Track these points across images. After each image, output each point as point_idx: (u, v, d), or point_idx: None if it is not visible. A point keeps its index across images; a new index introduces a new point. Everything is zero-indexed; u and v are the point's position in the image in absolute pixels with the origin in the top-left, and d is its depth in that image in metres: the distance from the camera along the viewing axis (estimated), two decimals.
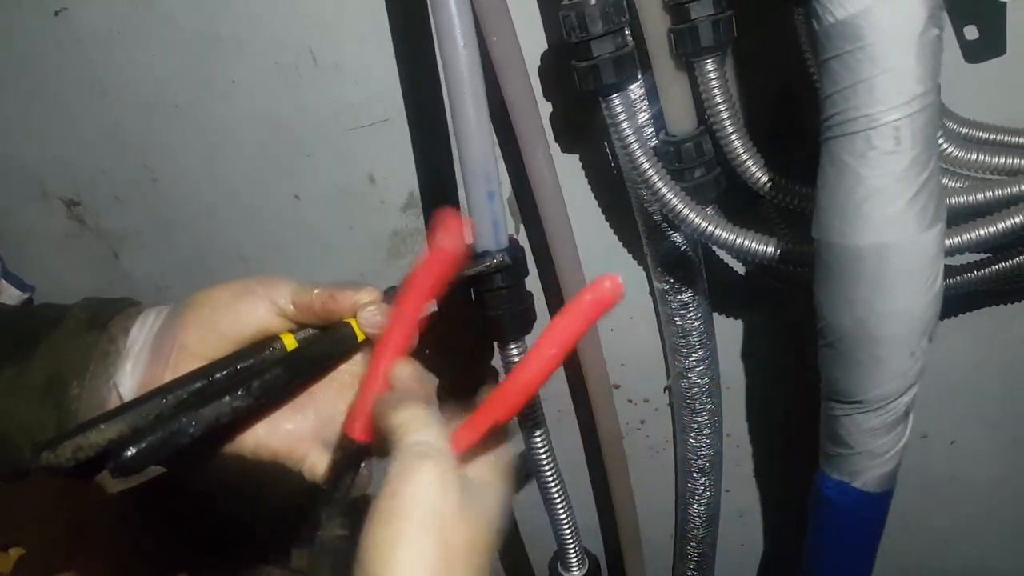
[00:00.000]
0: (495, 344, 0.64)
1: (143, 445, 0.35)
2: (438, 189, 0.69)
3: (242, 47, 0.64)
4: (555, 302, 0.70)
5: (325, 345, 0.42)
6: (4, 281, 0.73)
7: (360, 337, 0.42)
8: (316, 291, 0.41)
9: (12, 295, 0.76)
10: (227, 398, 0.38)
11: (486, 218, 0.50)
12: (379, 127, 0.67)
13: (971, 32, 0.49)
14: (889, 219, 0.36)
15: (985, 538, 0.87)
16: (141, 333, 0.42)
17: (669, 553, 0.92)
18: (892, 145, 0.35)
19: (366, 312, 0.41)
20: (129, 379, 0.41)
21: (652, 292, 0.71)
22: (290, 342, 0.42)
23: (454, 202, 0.69)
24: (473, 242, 0.52)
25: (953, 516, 0.86)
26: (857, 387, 0.43)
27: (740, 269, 0.69)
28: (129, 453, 0.35)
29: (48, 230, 0.75)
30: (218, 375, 0.40)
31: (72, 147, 0.70)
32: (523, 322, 0.57)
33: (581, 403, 0.79)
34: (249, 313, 0.41)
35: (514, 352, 0.61)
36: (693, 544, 0.87)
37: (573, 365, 0.73)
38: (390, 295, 0.43)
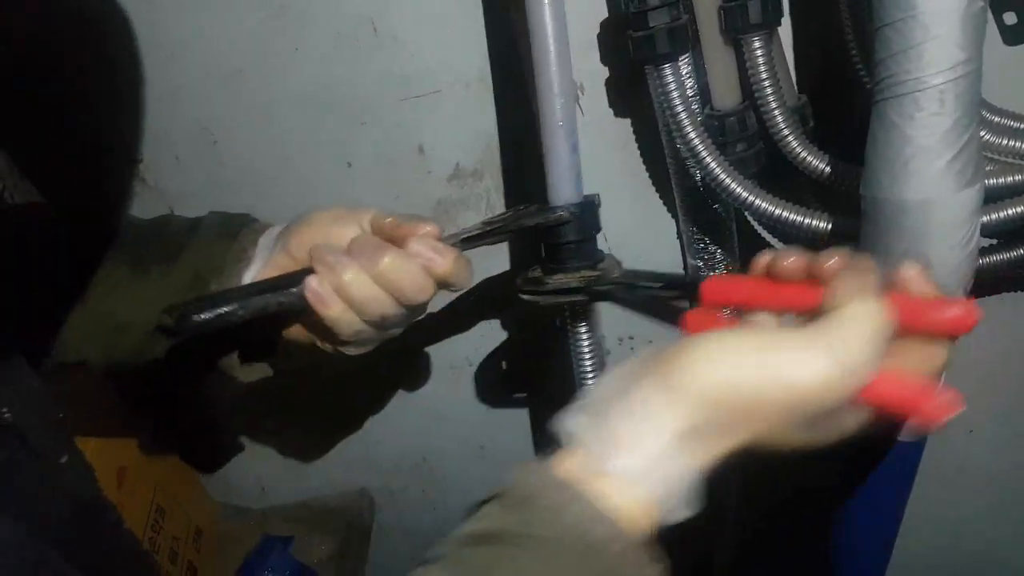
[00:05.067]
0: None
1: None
2: (486, 159, 0.72)
3: (306, 16, 0.67)
4: None
5: None
6: None
7: None
8: (389, 219, 0.49)
9: None
10: None
11: (567, 171, 0.52)
12: (430, 98, 0.70)
13: (1010, 18, 0.52)
14: (933, 176, 0.39)
15: (997, 529, 0.89)
16: (266, 242, 0.52)
17: None
18: (937, 107, 0.38)
19: (416, 241, 0.47)
20: (249, 278, 0.51)
21: (685, 268, 0.73)
22: None
23: (498, 172, 0.72)
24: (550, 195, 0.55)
25: (966, 506, 0.88)
26: None
27: (773, 247, 0.72)
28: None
29: None
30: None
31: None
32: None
33: None
34: (341, 234, 0.49)
35: None
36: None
37: None
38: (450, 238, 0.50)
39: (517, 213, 0.56)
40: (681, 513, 0.33)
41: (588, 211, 0.55)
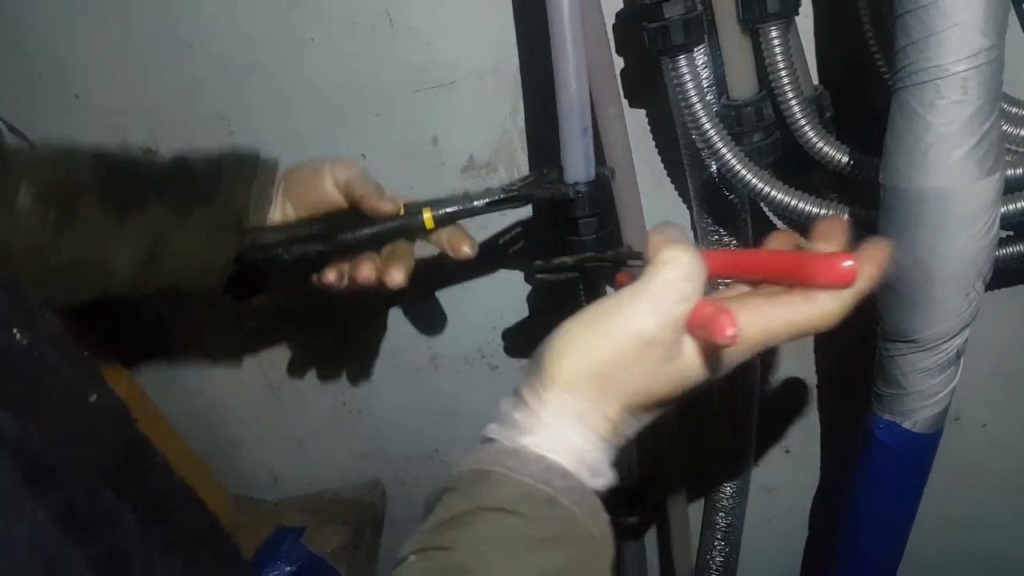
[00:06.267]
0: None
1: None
2: (499, 151, 0.72)
3: (322, 7, 0.67)
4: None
5: (400, 227, 0.59)
6: None
7: (430, 225, 0.59)
8: (358, 191, 0.58)
9: None
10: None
11: (579, 152, 0.54)
12: (445, 90, 0.70)
13: None
14: (952, 165, 0.39)
15: (1012, 524, 0.89)
16: (278, 188, 0.62)
17: (697, 520, 0.94)
18: (959, 95, 0.38)
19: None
20: (272, 219, 0.61)
21: None
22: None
23: (512, 164, 0.72)
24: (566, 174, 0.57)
25: (980, 501, 0.87)
26: (913, 326, 0.45)
27: None
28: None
29: None
30: (342, 222, 0.60)
31: (153, 98, 0.74)
32: (606, 245, 0.61)
33: None
34: (322, 189, 0.60)
35: None
36: (722, 515, 0.89)
37: None
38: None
39: (539, 177, 0.59)
40: (596, 481, 0.37)
41: (595, 189, 0.56)
